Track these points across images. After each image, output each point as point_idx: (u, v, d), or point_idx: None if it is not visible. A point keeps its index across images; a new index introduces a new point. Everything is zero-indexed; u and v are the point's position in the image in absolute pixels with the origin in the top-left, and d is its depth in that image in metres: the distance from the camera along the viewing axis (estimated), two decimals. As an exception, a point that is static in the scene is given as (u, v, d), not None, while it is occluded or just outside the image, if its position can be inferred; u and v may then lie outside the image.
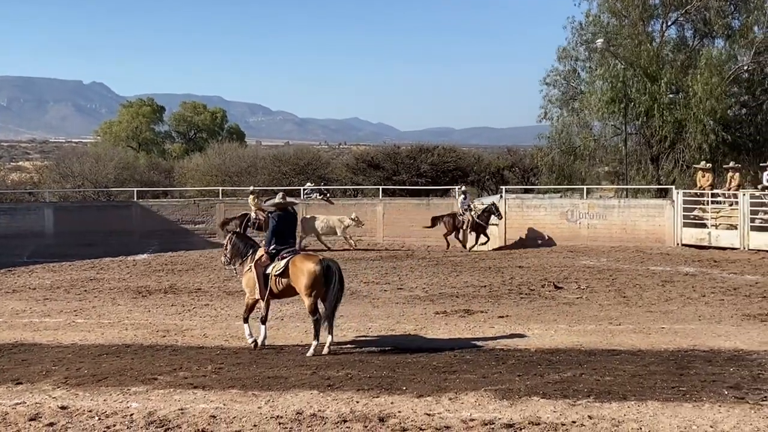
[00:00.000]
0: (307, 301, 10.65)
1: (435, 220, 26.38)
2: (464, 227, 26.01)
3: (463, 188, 28.11)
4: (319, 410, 7.83)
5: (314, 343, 10.59)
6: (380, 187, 32.40)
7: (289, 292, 11.00)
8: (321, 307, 10.69)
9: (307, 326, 11.16)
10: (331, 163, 46.10)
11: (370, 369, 9.56)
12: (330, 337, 10.68)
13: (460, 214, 26.02)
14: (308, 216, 26.33)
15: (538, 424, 7.29)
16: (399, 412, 7.72)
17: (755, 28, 32.51)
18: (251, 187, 28.51)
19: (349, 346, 11.20)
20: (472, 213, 25.86)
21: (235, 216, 26.47)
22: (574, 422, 7.30)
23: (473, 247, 25.72)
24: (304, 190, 30.91)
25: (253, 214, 25.87)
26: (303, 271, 10.61)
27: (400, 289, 16.99)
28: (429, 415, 7.61)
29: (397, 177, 39.77)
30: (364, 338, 11.75)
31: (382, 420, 7.49)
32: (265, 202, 12.87)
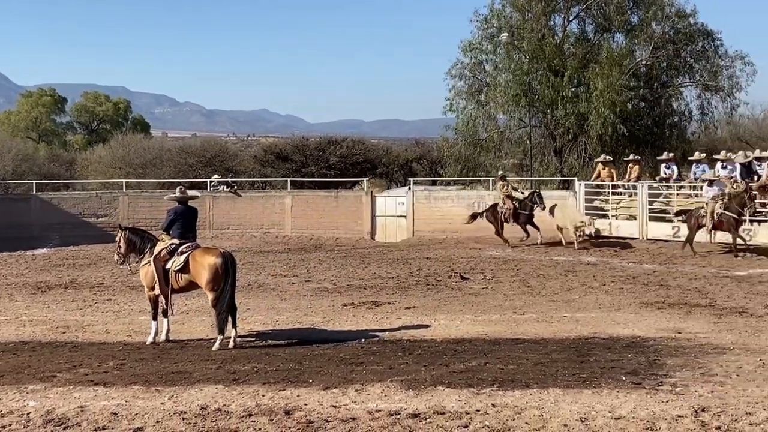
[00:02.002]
0: (210, 296, 10.50)
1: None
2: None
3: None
4: (224, 405, 7.72)
5: (220, 337, 10.46)
6: (288, 180, 32.19)
7: (191, 286, 10.83)
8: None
9: (212, 320, 10.99)
10: (239, 155, 45.65)
11: (277, 362, 9.49)
12: (234, 330, 10.57)
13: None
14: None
15: (443, 413, 7.35)
16: (305, 404, 7.67)
17: (653, 24, 33.50)
18: (499, 173, 26.20)
19: (255, 339, 11.09)
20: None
21: (485, 209, 24.46)
22: (478, 410, 7.38)
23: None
24: (210, 182, 30.48)
25: (501, 203, 23.92)
26: (204, 265, 10.44)
27: (308, 281, 16.93)
28: (335, 407, 7.59)
29: (306, 169, 39.61)
30: (271, 331, 11.65)
31: (288, 413, 7.43)
32: (165, 197, 12.59)
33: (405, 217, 26.68)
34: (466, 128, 35.78)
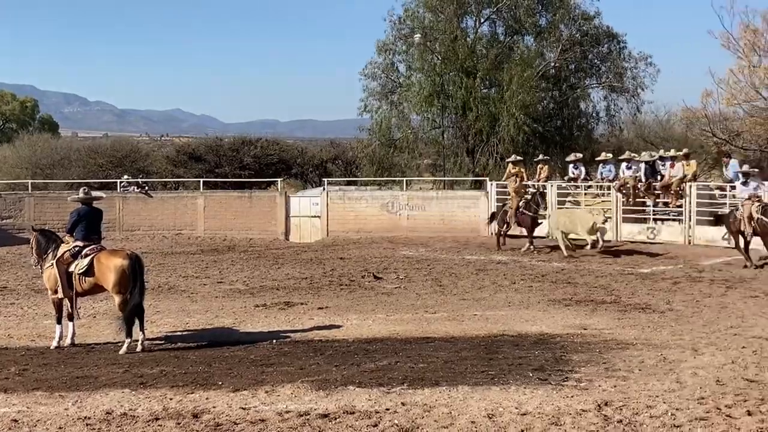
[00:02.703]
0: (117, 299, 10.27)
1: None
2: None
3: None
4: (131, 409, 7.56)
5: (127, 340, 10.23)
6: (201, 180, 31.75)
7: (97, 289, 10.58)
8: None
9: (120, 323, 10.72)
10: (151, 156, 44.75)
11: (186, 365, 9.34)
12: (142, 333, 10.37)
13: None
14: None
15: (353, 412, 7.35)
16: (214, 407, 7.57)
17: (561, 26, 34.27)
18: (514, 156, 24.59)
19: (164, 342, 10.89)
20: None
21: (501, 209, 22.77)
22: (387, 409, 7.40)
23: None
24: (120, 183, 29.83)
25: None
26: (110, 267, 10.20)
27: (220, 282, 16.74)
28: (244, 409, 7.51)
29: (220, 170, 39.12)
30: (181, 334, 11.46)
31: (196, 416, 7.31)
32: (68, 198, 12.26)
33: (319, 217, 26.63)
34: (380, 129, 35.95)
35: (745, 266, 17.10)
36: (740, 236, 17.52)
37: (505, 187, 25.46)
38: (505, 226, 21.91)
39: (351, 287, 15.80)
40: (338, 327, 11.68)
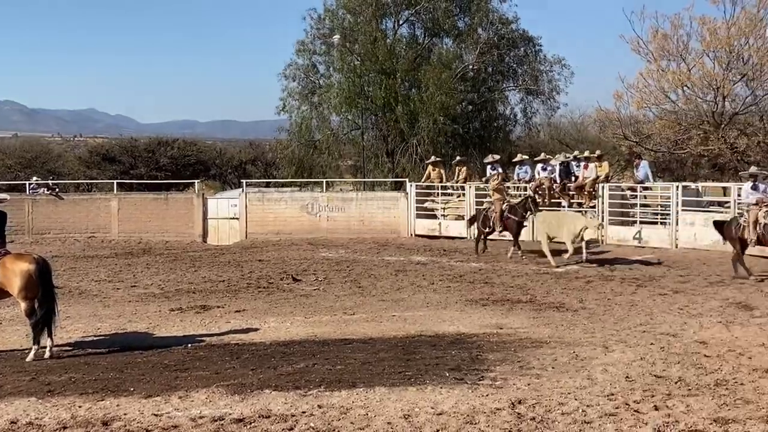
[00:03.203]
0: (23, 304, 9.93)
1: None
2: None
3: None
4: (37, 418, 7.34)
5: (34, 347, 9.91)
6: (115, 182, 31.08)
7: (2, 295, 10.22)
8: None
9: (27, 329, 10.41)
10: (63, 157, 43.72)
11: (96, 371, 9.11)
12: (51, 340, 10.06)
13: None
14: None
15: (269, 416, 7.28)
16: (125, 414, 7.41)
17: (479, 29, 34.74)
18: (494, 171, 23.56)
19: (74, 348, 10.59)
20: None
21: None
22: (303, 412, 7.37)
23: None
24: (30, 184, 28.98)
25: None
26: (16, 272, 9.86)
27: (135, 286, 16.41)
28: (157, 415, 7.37)
29: (135, 171, 38.45)
30: (92, 339, 11.18)
31: (105, 424, 7.15)
32: None
33: (238, 219, 26.36)
34: (300, 130, 35.88)
35: (735, 277, 15.67)
36: (742, 244, 16.07)
37: (425, 188, 25.69)
38: (487, 229, 20.63)
39: (269, 290, 15.68)
40: (256, 330, 11.56)
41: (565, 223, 18.55)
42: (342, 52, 33.88)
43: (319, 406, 7.53)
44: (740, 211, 17.83)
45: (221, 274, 18.04)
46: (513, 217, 19.91)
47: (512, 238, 20.30)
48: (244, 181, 28.74)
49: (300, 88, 36.49)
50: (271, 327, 11.79)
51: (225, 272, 18.30)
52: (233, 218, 26.44)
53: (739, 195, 20.08)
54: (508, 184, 24.46)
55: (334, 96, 34.40)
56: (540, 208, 20.07)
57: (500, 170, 25.13)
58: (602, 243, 21.34)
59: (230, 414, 7.36)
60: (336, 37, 32.00)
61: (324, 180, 29.74)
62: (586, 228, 18.03)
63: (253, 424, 7.11)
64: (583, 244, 18.33)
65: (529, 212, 19.83)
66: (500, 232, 20.42)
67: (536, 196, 20.82)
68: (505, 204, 20.21)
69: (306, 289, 15.65)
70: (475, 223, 21.24)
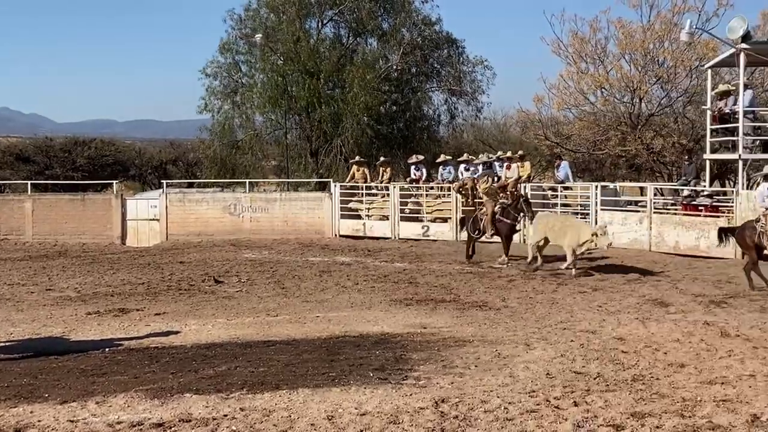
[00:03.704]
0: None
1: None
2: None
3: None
4: (-54, 428, 7.06)
5: (-56, 354, 9.56)
6: (29, 182, 30.19)
7: None
8: None
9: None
10: (-29, 157, 42.32)
11: (9, 378, 8.79)
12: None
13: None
14: None
15: (189, 420, 7.15)
16: (39, 421, 7.17)
17: (403, 30, 34.91)
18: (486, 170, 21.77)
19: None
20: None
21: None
22: (225, 416, 7.25)
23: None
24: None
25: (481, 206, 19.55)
26: None
27: (50, 289, 15.96)
28: (72, 421, 7.16)
29: (50, 171, 37.46)
30: (4, 345, 10.80)
31: (18, 431, 6.92)
32: None
33: (158, 220, 25.89)
34: (222, 129, 35.51)
35: (753, 288, 14.28)
36: (757, 251, 14.74)
37: (350, 189, 25.65)
38: (477, 233, 19.09)
39: (191, 292, 15.43)
40: (176, 333, 11.34)
41: (569, 230, 16.87)
42: (265, 51, 33.62)
43: (242, 409, 7.42)
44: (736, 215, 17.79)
45: (141, 276, 17.69)
46: (505, 219, 18.48)
47: (502, 243, 18.68)
48: (164, 181, 28.24)
49: (222, 87, 36.09)
50: (193, 330, 11.59)
51: (144, 274, 17.95)
52: (153, 219, 25.96)
53: (655, 195, 20.68)
54: (432, 184, 24.65)
55: (257, 95, 34.13)
56: (533, 212, 18.43)
57: (424, 170, 25.36)
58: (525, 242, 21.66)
59: (149, 419, 7.20)
60: (258, 36, 31.72)
61: (247, 180, 29.44)
62: (593, 240, 16.42)
63: (173, 428, 6.97)
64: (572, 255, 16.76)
65: (522, 214, 18.45)
66: (491, 235, 18.83)
67: (521, 202, 18.64)
68: (497, 206, 18.68)
69: (228, 291, 15.46)
70: (465, 227, 19.87)
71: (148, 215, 26.19)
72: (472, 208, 21.60)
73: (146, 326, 11.89)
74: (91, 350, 10.24)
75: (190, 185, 34.34)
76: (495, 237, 18.94)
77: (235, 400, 7.72)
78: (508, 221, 18.46)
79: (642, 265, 17.30)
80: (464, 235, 20.26)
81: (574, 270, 16.57)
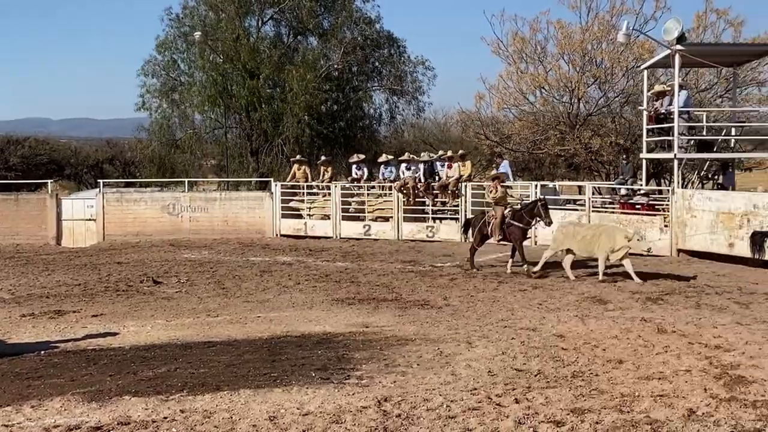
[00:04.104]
0: None
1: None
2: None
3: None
4: None
5: None
6: (-40, 182, 29.44)
7: None
8: None
9: None
10: None
11: (-60, 383, 8.56)
12: None
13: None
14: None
15: (128, 423, 7.03)
16: (-29, 427, 6.99)
17: (344, 29, 34.89)
18: (493, 173, 19.63)
19: None
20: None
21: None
22: (165, 418, 7.15)
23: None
24: None
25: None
26: None
27: (-17, 292, 15.55)
28: (7, 426, 6.99)
29: (-18, 171, 36.55)
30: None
31: (-50, 439, 6.73)
32: None
33: (95, 220, 25.42)
34: (161, 128, 35.07)
35: None
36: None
37: (291, 188, 25.52)
38: (481, 238, 17.55)
39: (129, 293, 15.17)
40: (114, 335, 11.16)
41: (602, 236, 15.31)
42: (203, 49, 33.28)
43: (182, 411, 7.33)
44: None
45: (77, 277, 17.34)
46: (517, 224, 16.89)
47: (513, 249, 17.18)
48: (101, 180, 27.73)
49: (160, 85, 35.63)
50: (131, 331, 11.41)
51: (81, 275, 17.60)
52: (90, 219, 25.49)
53: (594, 193, 20.99)
54: (373, 183, 24.66)
55: (196, 94, 33.77)
56: (551, 217, 16.91)
57: (365, 169, 25.30)
58: (466, 240, 21.83)
59: (87, 422, 7.07)
60: (197, 34, 31.35)
61: (186, 180, 29.08)
62: (628, 245, 14.89)
63: (111, 431, 6.85)
64: (627, 262, 15.16)
65: (537, 219, 16.91)
66: (499, 241, 17.25)
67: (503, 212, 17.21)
68: (508, 209, 17.23)
69: (168, 292, 15.24)
70: (470, 231, 18.04)
71: (84, 215, 25.70)
72: (456, 208, 21.98)
73: (83, 328, 11.67)
74: (26, 353, 10.01)
75: (128, 185, 33.75)
76: (502, 242, 17.43)
77: (175, 402, 7.61)
78: (521, 225, 16.91)
79: (581, 263, 17.52)
80: (472, 238, 17.92)
81: (600, 275, 15.15)
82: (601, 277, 15.10)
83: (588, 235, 15.52)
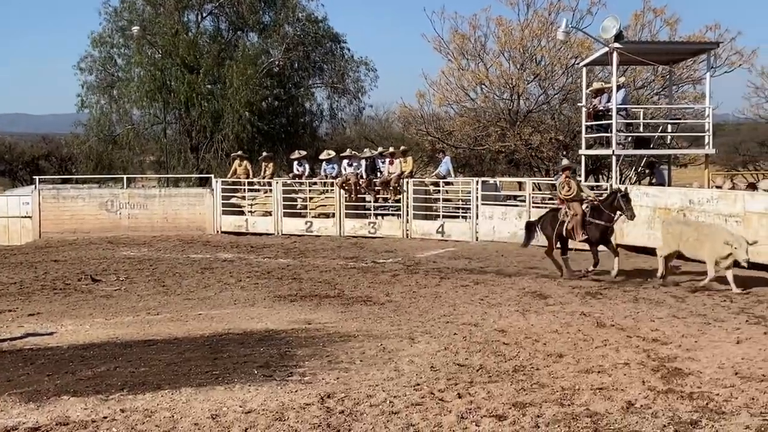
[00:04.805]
0: None
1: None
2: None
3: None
4: None
5: None
6: None
7: None
8: None
9: None
10: None
11: None
12: None
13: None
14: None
15: (67, 424, 6.92)
16: None
17: (285, 25, 34.72)
18: (564, 161, 17.18)
19: None
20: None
21: (542, 217, 16.23)
22: (105, 418, 7.05)
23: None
24: None
25: (564, 207, 15.42)
26: None
27: None
28: (-60, 429, 6.82)
29: None
30: None
31: None
32: None
33: (30, 217, 24.90)
34: (99, 124, 34.50)
35: None
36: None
37: (232, 184, 25.30)
38: (560, 240, 15.42)
39: (66, 291, 14.89)
40: (51, 334, 10.94)
41: (708, 239, 13.69)
42: (141, 44, 32.79)
43: (122, 411, 7.23)
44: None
45: (12, 276, 16.96)
46: (597, 221, 14.95)
47: (592, 249, 15.30)
48: (37, 177, 27.16)
49: (98, 81, 35.04)
50: (69, 330, 11.21)
51: (17, 274, 17.23)
52: (25, 217, 24.95)
53: (534, 189, 21.25)
54: (315, 180, 24.59)
55: (134, 90, 33.28)
56: (633, 210, 15.11)
57: (306, 166, 25.19)
58: (408, 237, 21.96)
59: (24, 423, 6.94)
60: (135, 29, 30.85)
61: (125, 176, 28.65)
62: (738, 248, 13.08)
63: (49, 432, 6.74)
64: (729, 273, 13.44)
65: (619, 213, 15.02)
66: (582, 241, 15.33)
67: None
68: (586, 204, 15.22)
69: (106, 290, 15.00)
70: (536, 230, 15.96)
71: (19, 212, 25.15)
72: (398, 204, 22.00)
73: (19, 327, 11.43)
74: (-41, 355, 9.77)
75: (65, 181, 33.10)
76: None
77: (115, 402, 7.52)
78: (602, 222, 14.99)
79: (521, 259, 17.73)
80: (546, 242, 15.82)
81: (707, 280, 13.62)
82: (706, 282, 13.57)
83: (692, 238, 13.97)
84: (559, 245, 15.43)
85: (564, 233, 15.18)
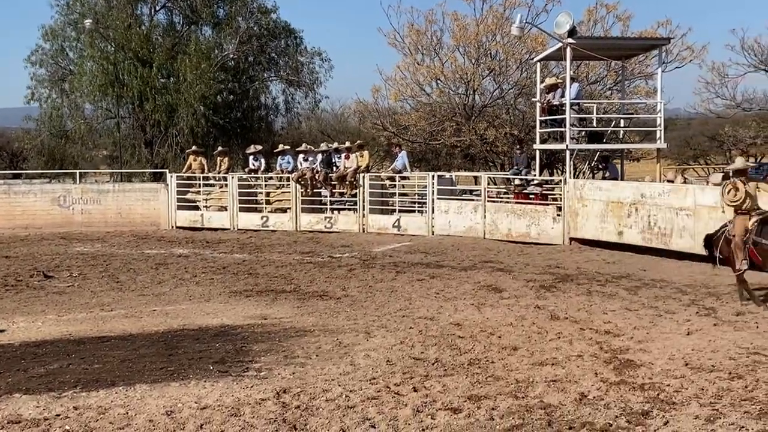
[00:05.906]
0: None
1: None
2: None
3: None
4: None
5: None
6: None
7: None
8: None
9: None
10: None
11: None
12: None
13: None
14: None
15: (19, 422, 6.83)
16: None
17: (239, 19, 34.52)
18: (738, 160, 12.53)
19: None
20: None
21: (721, 230, 12.12)
22: (58, 415, 6.98)
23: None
24: None
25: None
26: None
27: None
28: None
29: None
30: None
31: None
32: None
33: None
34: (50, 118, 33.98)
35: None
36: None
37: (187, 179, 25.09)
38: (717, 260, 12.28)
39: (18, 288, 14.66)
40: (3, 331, 10.78)
41: None
42: (94, 38, 32.35)
43: (75, 408, 7.17)
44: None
45: (-38, 273, 16.66)
46: (764, 242, 11.28)
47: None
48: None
49: (49, 74, 34.50)
50: (21, 327, 11.06)
51: (-34, 271, 16.92)
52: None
53: (489, 184, 21.39)
54: (271, 174, 24.50)
55: (86, 84, 32.82)
56: None
57: (262, 160, 25.11)
58: (364, 231, 22.02)
59: (-26, 422, 6.83)
60: (88, 22, 30.41)
61: (77, 171, 28.26)
62: None
63: (1, 430, 6.64)
64: None
65: None
66: (745, 269, 11.58)
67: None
68: (753, 219, 11.44)
69: (59, 286, 14.81)
70: (714, 249, 12.29)
71: (-32, 209, 24.68)
72: (354, 198, 21.94)
73: (-31, 325, 11.25)
74: None
75: (15, 176, 32.53)
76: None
77: (68, 399, 7.44)
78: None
79: (477, 253, 17.86)
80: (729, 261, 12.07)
81: None
82: None
83: None
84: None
85: (736, 252, 11.63)
